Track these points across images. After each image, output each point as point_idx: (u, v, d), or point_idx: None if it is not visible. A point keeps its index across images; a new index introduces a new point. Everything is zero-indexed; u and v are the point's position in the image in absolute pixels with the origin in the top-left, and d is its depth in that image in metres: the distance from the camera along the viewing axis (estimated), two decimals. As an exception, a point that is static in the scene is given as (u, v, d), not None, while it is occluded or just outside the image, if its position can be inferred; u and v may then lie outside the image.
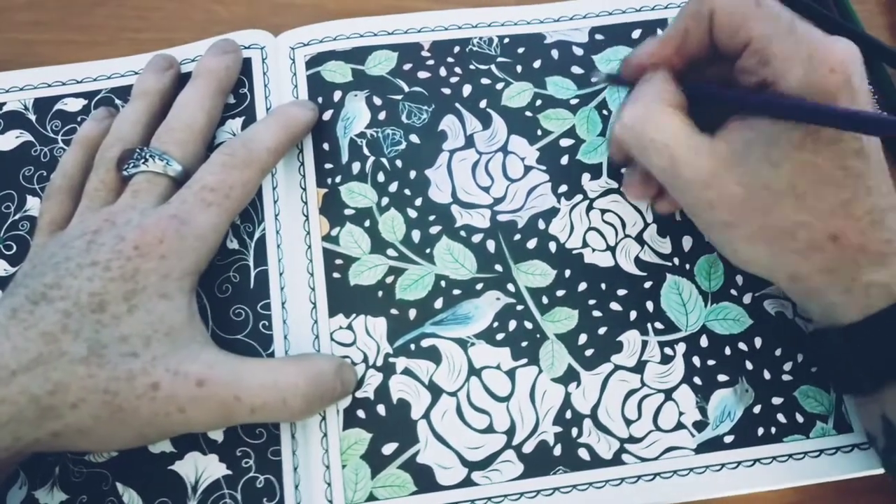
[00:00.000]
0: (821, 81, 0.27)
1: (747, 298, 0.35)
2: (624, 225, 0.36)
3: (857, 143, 0.27)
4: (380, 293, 0.35)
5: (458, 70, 0.38)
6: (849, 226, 0.28)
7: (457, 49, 0.39)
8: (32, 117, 0.38)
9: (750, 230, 0.29)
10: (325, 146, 0.37)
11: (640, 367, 0.34)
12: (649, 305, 0.35)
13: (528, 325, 0.34)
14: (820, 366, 0.33)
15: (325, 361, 0.32)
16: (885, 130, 0.25)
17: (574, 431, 0.33)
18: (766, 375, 0.34)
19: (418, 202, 0.36)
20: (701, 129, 0.30)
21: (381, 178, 0.36)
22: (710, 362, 0.34)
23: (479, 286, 0.35)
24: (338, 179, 0.36)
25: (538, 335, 0.34)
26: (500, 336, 0.34)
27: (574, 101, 0.38)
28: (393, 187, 0.36)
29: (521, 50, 0.39)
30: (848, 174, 0.28)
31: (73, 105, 0.38)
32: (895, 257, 0.28)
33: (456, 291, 0.35)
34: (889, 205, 0.28)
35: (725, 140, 0.29)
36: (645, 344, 0.34)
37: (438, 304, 0.35)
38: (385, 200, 0.36)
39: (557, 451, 0.33)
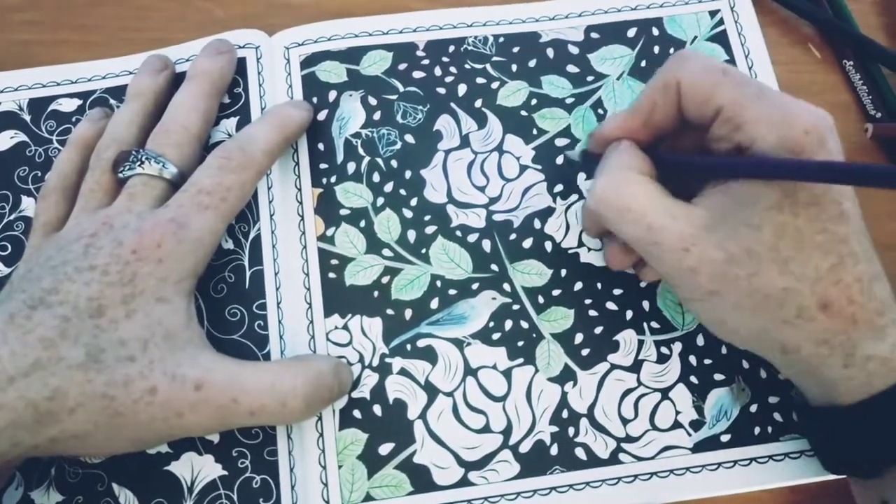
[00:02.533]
0: (796, 142, 0.26)
1: (743, 297, 0.35)
2: (620, 224, 0.36)
3: (837, 207, 0.27)
4: (375, 293, 0.35)
5: (453, 69, 0.38)
6: (839, 293, 0.27)
7: (452, 48, 0.39)
8: (27, 117, 0.38)
9: (735, 298, 0.28)
10: (321, 146, 0.37)
11: (636, 367, 0.34)
12: (645, 304, 0.35)
13: (524, 324, 0.34)
14: (816, 445, 0.32)
15: (323, 362, 0.32)
16: (866, 180, 0.24)
17: (570, 431, 0.33)
18: (763, 374, 0.34)
19: (414, 202, 0.36)
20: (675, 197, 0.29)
21: (376, 178, 0.36)
22: (707, 361, 0.34)
23: (475, 286, 0.35)
24: (333, 179, 0.36)
25: (534, 335, 0.34)
26: (496, 336, 0.34)
27: (569, 100, 0.38)
28: (388, 187, 0.36)
29: (516, 49, 0.39)
30: (831, 238, 0.27)
31: (68, 105, 0.38)
32: (889, 329, 0.27)
33: (452, 291, 0.35)
34: (874, 273, 0.28)
35: (703, 205, 0.29)
36: (641, 343, 0.34)
37: (434, 304, 0.34)
38: (380, 200, 0.36)
39: (554, 450, 0.33)
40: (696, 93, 0.29)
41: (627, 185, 0.29)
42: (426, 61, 0.38)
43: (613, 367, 0.34)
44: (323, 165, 0.37)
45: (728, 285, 0.28)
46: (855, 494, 0.31)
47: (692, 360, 0.34)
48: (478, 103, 0.38)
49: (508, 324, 0.34)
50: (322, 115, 0.37)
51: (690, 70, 0.29)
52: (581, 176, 0.37)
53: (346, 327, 0.34)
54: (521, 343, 0.34)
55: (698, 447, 0.33)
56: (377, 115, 0.37)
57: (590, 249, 0.36)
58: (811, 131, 0.26)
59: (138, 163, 0.33)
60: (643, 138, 0.31)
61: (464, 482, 0.32)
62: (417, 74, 0.38)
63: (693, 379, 0.34)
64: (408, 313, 0.34)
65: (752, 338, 0.29)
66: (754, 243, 0.27)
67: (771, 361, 0.30)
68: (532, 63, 0.39)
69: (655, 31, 0.39)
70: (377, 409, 0.33)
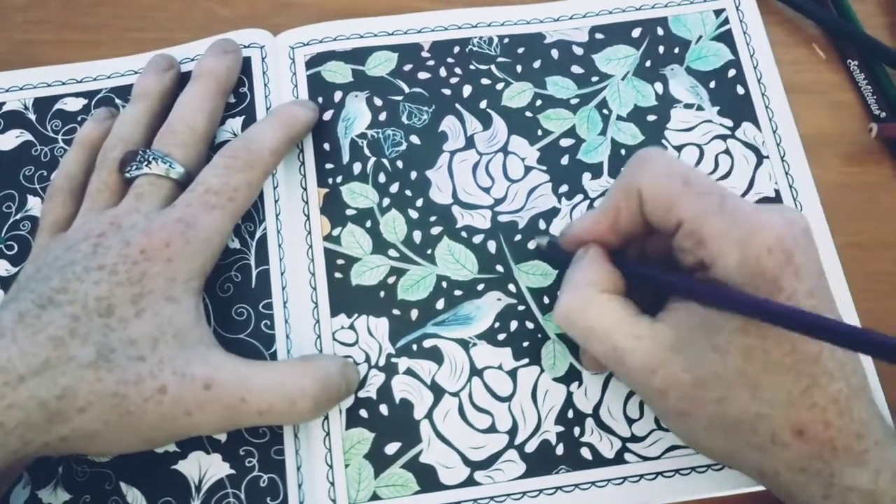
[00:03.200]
0: (759, 264, 0.25)
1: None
2: (624, 224, 0.36)
3: None
4: (381, 293, 0.35)
5: (458, 70, 0.38)
6: (814, 418, 0.25)
7: (457, 49, 0.39)
8: (32, 117, 0.38)
9: (706, 420, 0.27)
10: (326, 146, 0.37)
11: (641, 367, 0.34)
12: (650, 305, 0.35)
13: (530, 325, 0.34)
14: None
15: (331, 362, 0.32)
16: (822, 335, 0.22)
17: (576, 431, 0.33)
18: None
19: (419, 203, 0.36)
20: (642, 307, 0.29)
21: (381, 178, 0.36)
22: (711, 361, 0.34)
23: (481, 287, 0.35)
24: (339, 180, 0.36)
25: (539, 335, 0.34)
26: (501, 336, 0.34)
27: (574, 101, 0.38)
28: (394, 188, 0.36)
29: (520, 50, 0.39)
30: (801, 359, 0.25)
31: (73, 105, 0.38)
32: (870, 455, 0.26)
33: (457, 292, 0.35)
34: (853, 390, 0.26)
35: (668, 323, 0.27)
36: (646, 343, 0.34)
37: (440, 304, 0.35)
38: (386, 201, 0.36)
39: (559, 450, 0.33)
40: (656, 202, 0.28)
41: (591, 305, 0.28)
42: (431, 62, 0.39)
43: (618, 367, 0.34)
44: (329, 166, 0.37)
45: (698, 408, 0.27)
46: None
47: (697, 360, 0.34)
48: (483, 104, 0.38)
49: (514, 324, 0.34)
50: (328, 116, 0.37)
51: (651, 177, 0.28)
52: (587, 175, 0.37)
53: (352, 327, 0.34)
54: (526, 343, 0.34)
55: (703, 447, 0.33)
56: (382, 116, 0.37)
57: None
58: (774, 249, 0.25)
59: (145, 163, 0.33)
60: (612, 241, 0.30)
61: (470, 482, 0.32)
62: (423, 75, 0.38)
63: (697, 379, 0.34)
64: (414, 313, 0.34)
65: (728, 458, 0.28)
66: (721, 368, 0.26)
67: (755, 481, 0.29)
68: (537, 64, 0.39)
69: (660, 31, 0.40)
70: (384, 409, 0.33)
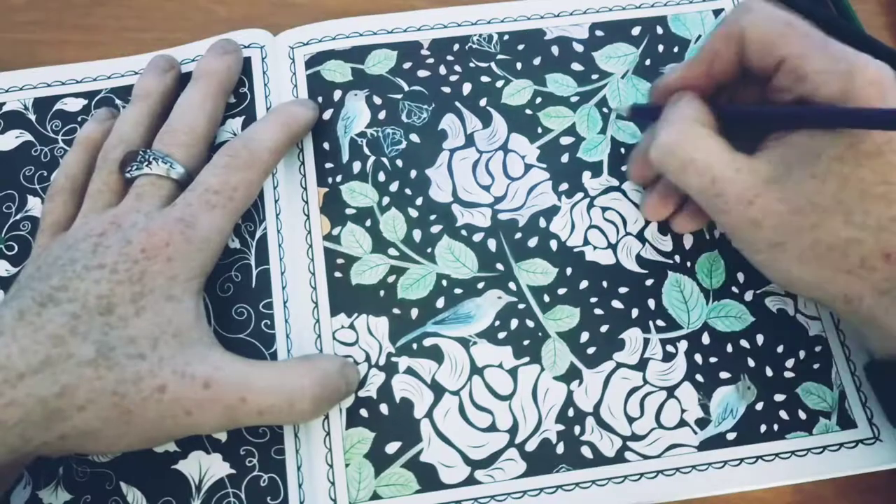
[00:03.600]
0: (860, 94, 0.27)
1: (749, 296, 0.35)
2: (625, 223, 0.36)
3: None
4: (381, 292, 0.35)
5: (457, 68, 0.38)
6: None
7: (456, 47, 0.39)
8: (32, 117, 0.38)
9: (799, 249, 0.29)
10: (326, 145, 0.37)
11: (642, 365, 0.34)
12: (651, 303, 0.35)
13: (530, 323, 0.34)
14: (882, 401, 0.32)
15: (330, 362, 0.32)
16: None
17: (576, 429, 0.33)
18: (769, 372, 0.34)
19: (419, 201, 0.36)
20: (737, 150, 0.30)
21: (381, 177, 0.36)
22: (712, 359, 0.34)
23: (481, 285, 0.35)
24: (338, 179, 0.36)
25: (540, 333, 0.34)
26: (501, 335, 0.34)
27: (574, 99, 0.38)
28: (394, 187, 0.36)
29: (520, 47, 0.39)
30: (893, 189, 0.27)
31: (73, 105, 0.38)
32: None
33: (457, 290, 0.35)
34: None
35: (766, 158, 0.29)
36: (647, 341, 0.34)
37: (440, 303, 0.35)
38: (386, 200, 0.36)
39: (560, 449, 0.33)
40: (759, 43, 0.29)
41: (692, 137, 0.30)
42: (431, 60, 0.38)
43: (619, 365, 0.34)
44: (328, 165, 0.37)
45: (791, 237, 0.28)
46: None
47: (698, 358, 0.34)
48: (483, 102, 0.38)
49: (514, 323, 0.34)
50: (327, 115, 0.37)
51: (754, 20, 0.29)
52: (587, 174, 0.37)
53: (352, 326, 0.34)
54: (526, 342, 0.34)
55: (704, 445, 0.33)
56: (382, 115, 0.37)
57: (595, 248, 0.36)
58: (875, 83, 0.27)
59: (145, 163, 0.33)
60: (704, 88, 0.32)
61: (470, 480, 0.32)
62: (422, 73, 0.38)
63: (699, 377, 0.34)
64: (414, 312, 0.34)
65: (816, 288, 0.30)
66: (818, 195, 0.28)
67: (835, 311, 0.31)
68: (537, 61, 0.39)
69: (660, 30, 0.40)
70: (384, 408, 0.33)
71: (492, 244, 0.36)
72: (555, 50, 0.39)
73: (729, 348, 0.34)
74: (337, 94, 0.38)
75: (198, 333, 0.30)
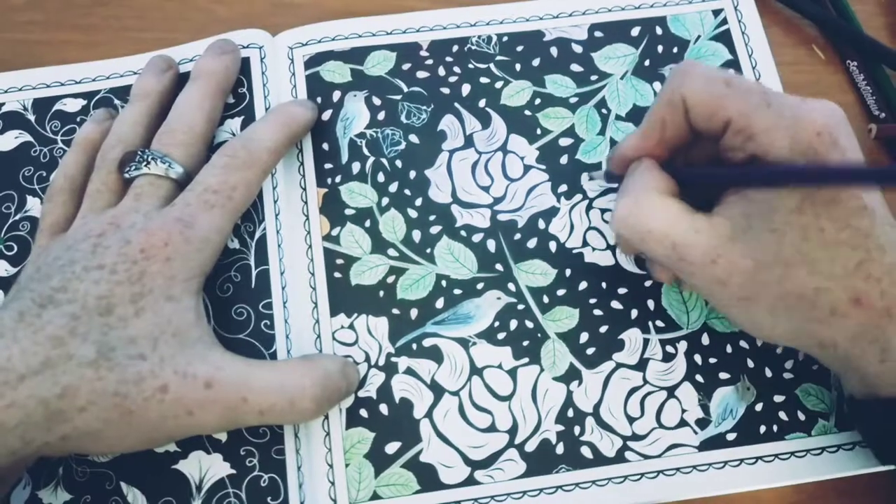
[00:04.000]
0: (809, 145, 0.27)
1: (747, 296, 0.35)
2: (624, 223, 0.36)
3: (858, 201, 0.27)
4: (381, 293, 0.35)
5: (456, 69, 0.38)
6: (869, 288, 0.27)
7: (455, 48, 0.39)
8: (31, 117, 0.38)
9: (768, 302, 0.28)
10: (325, 146, 0.37)
11: (641, 365, 0.34)
12: (650, 304, 0.35)
13: (530, 324, 0.34)
14: (865, 436, 0.32)
15: (331, 362, 0.32)
16: (881, 179, 0.25)
17: (576, 430, 0.33)
18: (768, 373, 0.34)
19: (418, 202, 0.36)
20: (697, 210, 0.30)
21: (381, 178, 0.36)
22: (712, 360, 0.34)
23: (480, 286, 0.35)
24: (338, 179, 0.36)
25: (539, 334, 0.34)
26: (501, 335, 0.34)
27: (573, 100, 0.38)
28: (393, 187, 0.36)
29: (520, 48, 0.39)
30: (855, 234, 0.27)
31: (73, 105, 0.38)
32: None
33: (457, 291, 0.35)
34: None
35: (724, 215, 0.29)
36: (646, 342, 0.34)
37: (439, 303, 0.35)
38: (385, 200, 0.36)
39: (560, 449, 0.33)
40: (702, 108, 0.29)
41: (648, 207, 0.29)
42: (430, 61, 0.39)
43: (619, 365, 0.34)
44: (328, 165, 0.37)
45: (759, 291, 0.28)
46: None
47: (697, 358, 0.34)
48: (482, 103, 0.38)
49: (513, 323, 0.34)
50: (326, 116, 0.37)
51: (692, 86, 0.29)
52: (584, 176, 0.37)
53: (352, 327, 0.34)
54: (526, 342, 0.34)
55: (704, 445, 0.33)
56: (381, 116, 0.37)
57: (594, 249, 0.36)
58: (822, 132, 0.27)
59: (144, 163, 0.33)
60: (660, 154, 0.31)
61: (470, 481, 0.32)
62: (421, 74, 0.38)
63: (699, 377, 0.34)
64: (413, 313, 0.34)
65: (790, 337, 0.30)
66: (780, 248, 0.27)
67: (813, 356, 0.31)
68: (536, 62, 0.39)
69: (659, 31, 0.40)
70: (384, 409, 0.33)
71: (491, 245, 0.36)
72: (554, 51, 0.39)
73: (728, 349, 0.34)
74: (336, 95, 0.38)
75: (198, 333, 0.30)
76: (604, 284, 0.35)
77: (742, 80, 0.29)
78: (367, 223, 0.36)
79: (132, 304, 0.29)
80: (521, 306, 0.35)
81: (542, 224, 0.36)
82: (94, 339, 0.28)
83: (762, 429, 0.33)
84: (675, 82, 0.30)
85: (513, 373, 0.34)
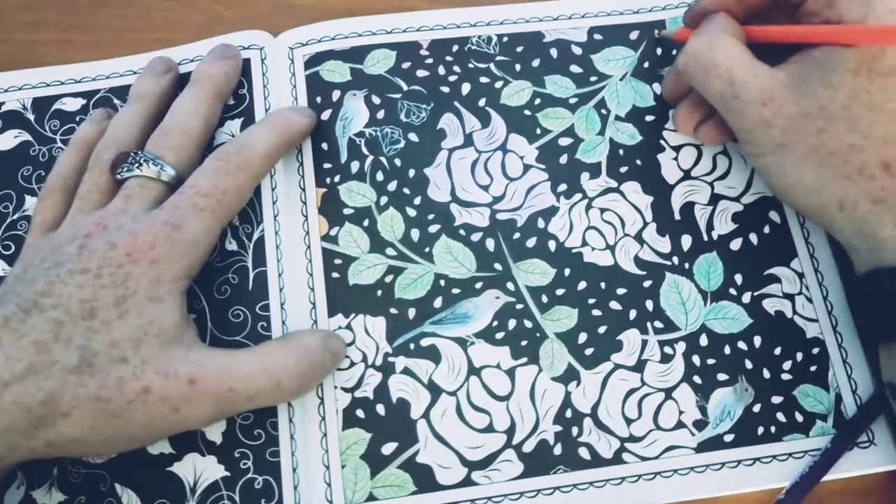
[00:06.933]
0: (882, 20, 0.29)
1: (746, 298, 0.35)
2: (623, 224, 0.36)
3: None
4: (379, 292, 0.35)
5: (456, 69, 0.38)
6: None
7: (455, 48, 0.39)
8: (31, 117, 0.38)
9: (802, 150, 0.30)
10: (324, 146, 0.37)
11: (639, 366, 0.34)
12: (649, 304, 0.35)
13: (528, 324, 0.34)
14: (860, 312, 0.33)
15: (311, 336, 0.32)
16: None
17: (574, 430, 0.33)
18: (766, 374, 0.34)
19: (417, 201, 0.36)
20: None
21: (380, 177, 0.36)
22: (710, 361, 0.34)
23: (479, 285, 0.35)
24: (337, 179, 0.36)
25: (538, 334, 0.34)
26: (499, 335, 0.34)
27: (573, 101, 0.38)
28: (392, 186, 0.36)
29: (519, 49, 0.39)
30: None
31: (72, 105, 0.38)
32: None
33: (455, 290, 0.35)
34: None
35: (786, 69, 0.31)
36: (645, 343, 0.34)
37: (438, 303, 0.34)
38: (384, 199, 0.36)
39: (558, 450, 0.33)
40: None
41: (717, 45, 0.32)
42: (430, 60, 0.39)
43: (617, 366, 0.34)
44: (327, 165, 0.37)
45: (798, 138, 0.30)
46: (884, 365, 0.31)
47: (695, 360, 0.34)
48: (481, 102, 0.38)
49: (512, 323, 0.34)
50: (326, 115, 0.37)
51: None
52: (585, 175, 0.37)
53: (349, 327, 0.34)
54: (524, 342, 0.34)
55: (702, 447, 0.33)
56: (381, 114, 0.37)
57: (593, 249, 0.35)
58: (894, 11, 0.29)
59: (136, 165, 0.33)
60: (736, 13, 0.33)
61: (467, 482, 0.32)
62: (421, 73, 0.38)
63: (696, 379, 0.34)
64: (411, 312, 0.34)
65: (813, 193, 0.31)
66: (828, 102, 0.30)
67: (826, 223, 0.32)
68: (536, 63, 0.39)
69: (658, 34, 0.40)
70: (380, 409, 0.33)
71: (490, 244, 0.35)
72: (553, 52, 0.39)
73: (727, 350, 0.34)
74: (336, 94, 0.38)
75: (180, 333, 0.30)
76: (603, 285, 0.35)
77: None
78: (366, 222, 0.36)
79: (115, 307, 0.29)
80: (519, 306, 0.35)
81: (541, 223, 0.36)
82: (78, 343, 0.28)
83: (760, 430, 0.33)
84: None
85: (511, 373, 0.34)
